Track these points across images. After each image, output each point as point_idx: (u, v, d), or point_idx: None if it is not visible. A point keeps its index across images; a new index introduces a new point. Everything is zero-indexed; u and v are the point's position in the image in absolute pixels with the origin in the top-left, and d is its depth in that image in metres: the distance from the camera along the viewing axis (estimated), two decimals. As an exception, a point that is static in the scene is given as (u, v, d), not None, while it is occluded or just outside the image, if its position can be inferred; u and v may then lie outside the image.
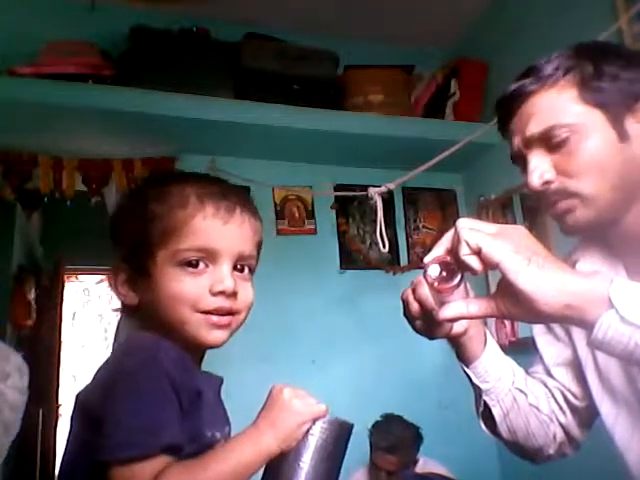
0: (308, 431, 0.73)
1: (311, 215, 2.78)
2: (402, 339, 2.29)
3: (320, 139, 2.60)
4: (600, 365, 0.93)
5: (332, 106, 2.60)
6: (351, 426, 0.77)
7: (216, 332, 0.78)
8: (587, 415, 1.00)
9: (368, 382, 2.57)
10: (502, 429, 0.98)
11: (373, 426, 2.21)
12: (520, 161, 0.91)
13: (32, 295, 3.38)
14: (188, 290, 0.77)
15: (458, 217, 3.37)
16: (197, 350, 0.80)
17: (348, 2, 2.71)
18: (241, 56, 2.52)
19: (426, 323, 0.86)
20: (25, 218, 3.13)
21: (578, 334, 0.97)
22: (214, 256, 0.78)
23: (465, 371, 0.96)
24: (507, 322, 2.46)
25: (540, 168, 0.86)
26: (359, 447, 2.15)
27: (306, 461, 0.73)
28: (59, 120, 2.29)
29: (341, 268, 2.76)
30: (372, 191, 2.23)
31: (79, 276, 5.61)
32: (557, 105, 0.85)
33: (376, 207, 2.22)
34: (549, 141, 0.85)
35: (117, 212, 0.85)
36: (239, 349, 2.30)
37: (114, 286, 0.80)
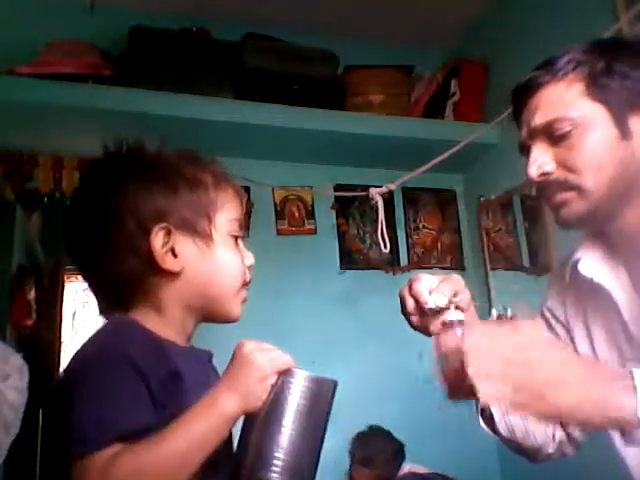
0: (284, 390, 0.69)
1: (311, 215, 2.77)
2: (402, 339, 2.29)
3: (320, 139, 2.59)
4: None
5: (332, 106, 2.59)
6: (335, 384, 0.73)
7: (242, 307, 0.82)
8: None
9: (368, 382, 2.57)
10: (501, 427, 0.98)
11: (357, 435, 2.17)
12: (525, 151, 0.92)
13: (32, 295, 3.38)
14: (239, 262, 0.81)
15: (458, 217, 3.34)
16: (194, 325, 0.81)
17: (348, 2, 2.71)
18: (241, 56, 2.52)
19: (422, 319, 0.87)
20: (25, 218, 3.13)
21: (580, 335, 0.98)
22: (242, 230, 0.83)
23: None
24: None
25: (540, 159, 0.87)
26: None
27: (287, 424, 0.68)
28: (59, 120, 2.29)
29: (341, 268, 2.76)
30: (373, 191, 2.23)
31: (79, 276, 5.60)
32: (563, 98, 0.86)
33: (377, 207, 2.22)
34: (552, 133, 0.86)
35: (161, 169, 0.80)
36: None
37: (155, 245, 0.76)
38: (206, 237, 0.78)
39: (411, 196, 2.92)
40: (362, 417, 2.25)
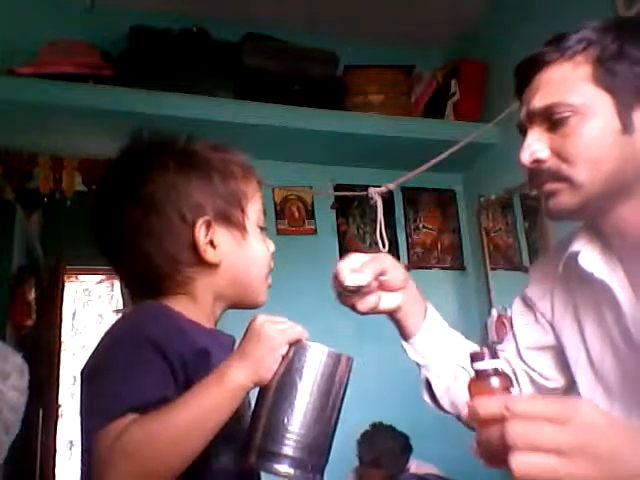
0: (296, 362, 0.67)
1: (311, 215, 2.77)
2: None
3: (320, 139, 2.59)
4: (595, 361, 0.91)
5: (332, 106, 2.59)
6: (352, 360, 0.72)
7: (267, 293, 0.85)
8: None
9: (368, 382, 2.56)
10: (443, 403, 0.98)
11: (361, 437, 2.17)
12: (522, 133, 0.87)
13: (32, 295, 3.39)
14: (267, 250, 0.84)
15: (458, 217, 3.33)
16: (223, 311, 0.84)
17: (348, 2, 2.71)
18: (241, 56, 2.52)
19: (347, 297, 0.89)
20: (25, 218, 3.14)
21: (570, 329, 0.96)
22: (264, 219, 0.85)
23: (403, 346, 0.99)
24: (507, 322, 2.46)
25: (534, 145, 0.82)
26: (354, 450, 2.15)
27: (301, 398, 0.66)
28: (59, 120, 2.28)
29: (341, 268, 2.75)
30: (372, 191, 2.23)
31: (79, 276, 5.62)
32: (567, 81, 0.80)
33: (376, 207, 2.22)
34: (549, 118, 0.81)
35: (195, 160, 0.82)
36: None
37: (199, 238, 0.77)
38: (241, 228, 0.80)
39: (411, 196, 2.92)
40: (362, 417, 2.25)
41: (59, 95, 2.20)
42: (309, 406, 0.66)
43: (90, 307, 6.59)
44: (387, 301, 0.93)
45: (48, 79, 2.22)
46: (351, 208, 2.83)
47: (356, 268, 0.88)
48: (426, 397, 1.01)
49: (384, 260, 0.91)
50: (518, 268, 2.50)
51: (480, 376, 0.61)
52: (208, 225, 0.78)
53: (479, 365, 0.61)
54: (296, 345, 0.69)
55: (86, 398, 0.69)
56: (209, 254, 0.78)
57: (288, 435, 0.65)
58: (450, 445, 2.47)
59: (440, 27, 2.89)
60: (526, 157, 0.83)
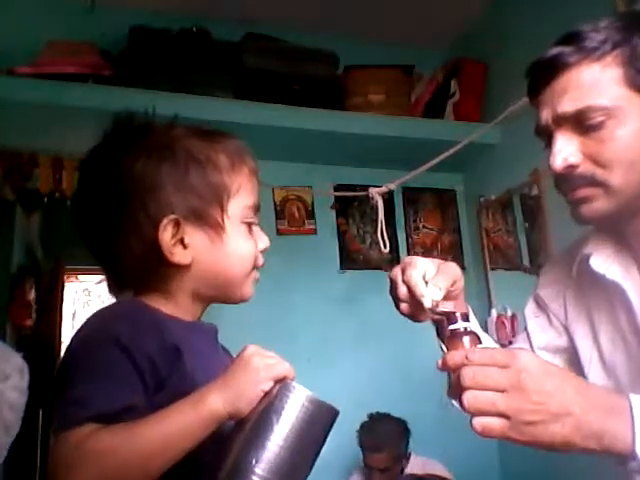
0: (276, 402, 0.64)
1: (311, 215, 2.77)
2: (402, 339, 2.30)
3: (320, 139, 2.59)
4: (606, 359, 0.93)
5: (332, 106, 2.59)
6: (336, 412, 0.67)
7: (253, 287, 0.81)
8: None
9: (368, 382, 2.57)
10: None
11: (361, 427, 2.21)
12: (545, 136, 0.84)
13: (32, 295, 3.39)
14: (252, 247, 0.79)
15: (458, 217, 3.32)
16: (204, 308, 0.81)
17: (348, 2, 2.71)
18: (241, 56, 2.52)
19: (412, 307, 0.84)
20: (25, 218, 3.14)
21: (583, 331, 0.97)
22: (256, 214, 0.81)
23: (442, 349, 0.96)
24: (507, 322, 2.46)
25: (566, 150, 0.80)
26: (355, 449, 2.16)
27: (276, 440, 0.63)
28: (59, 120, 2.28)
29: (341, 268, 2.76)
30: (373, 191, 2.23)
31: (79, 276, 5.61)
32: (597, 84, 0.78)
33: (377, 207, 2.22)
34: (581, 122, 0.79)
35: (172, 152, 0.76)
36: (238, 348, 2.30)
37: (163, 239, 0.73)
38: (217, 227, 0.76)
39: (411, 196, 2.92)
40: (360, 417, 2.25)
41: (59, 95, 2.20)
42: (281, 450, 0.63)
43: (90, 307, 6.58)
44: (442, 308, 0.91)
45: (48, 79, 2.22)
46: (351, 208, 2.83)
47: (429, 279, 0.83)
48: (455, 401, 1.01)
49: (453, 269, 0.87)
50: (518, 268, 2.50)
51: (453, 334, 0.72)
52: (176, 224, 0.74)
53: (453, 326, 0.72)
54: (281, 384, 0.66)
55: (54, 401, 0.67)
56: (177, 255, 0.74)
57: (254, 477, 0.62)
58: (449, 444, 2.48)
59: (440, 27, 2.89)
60: (558, 163, 0.80)
